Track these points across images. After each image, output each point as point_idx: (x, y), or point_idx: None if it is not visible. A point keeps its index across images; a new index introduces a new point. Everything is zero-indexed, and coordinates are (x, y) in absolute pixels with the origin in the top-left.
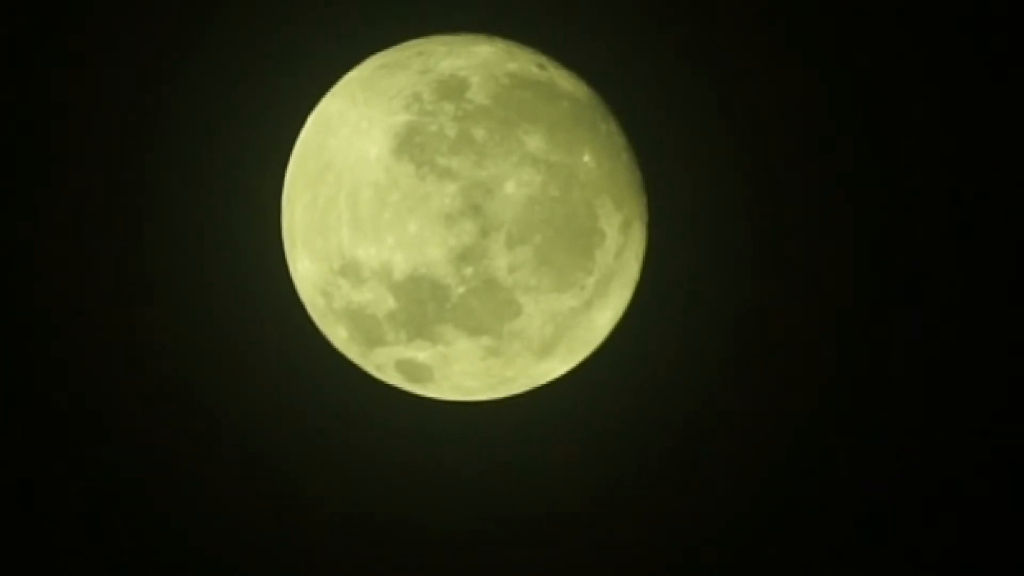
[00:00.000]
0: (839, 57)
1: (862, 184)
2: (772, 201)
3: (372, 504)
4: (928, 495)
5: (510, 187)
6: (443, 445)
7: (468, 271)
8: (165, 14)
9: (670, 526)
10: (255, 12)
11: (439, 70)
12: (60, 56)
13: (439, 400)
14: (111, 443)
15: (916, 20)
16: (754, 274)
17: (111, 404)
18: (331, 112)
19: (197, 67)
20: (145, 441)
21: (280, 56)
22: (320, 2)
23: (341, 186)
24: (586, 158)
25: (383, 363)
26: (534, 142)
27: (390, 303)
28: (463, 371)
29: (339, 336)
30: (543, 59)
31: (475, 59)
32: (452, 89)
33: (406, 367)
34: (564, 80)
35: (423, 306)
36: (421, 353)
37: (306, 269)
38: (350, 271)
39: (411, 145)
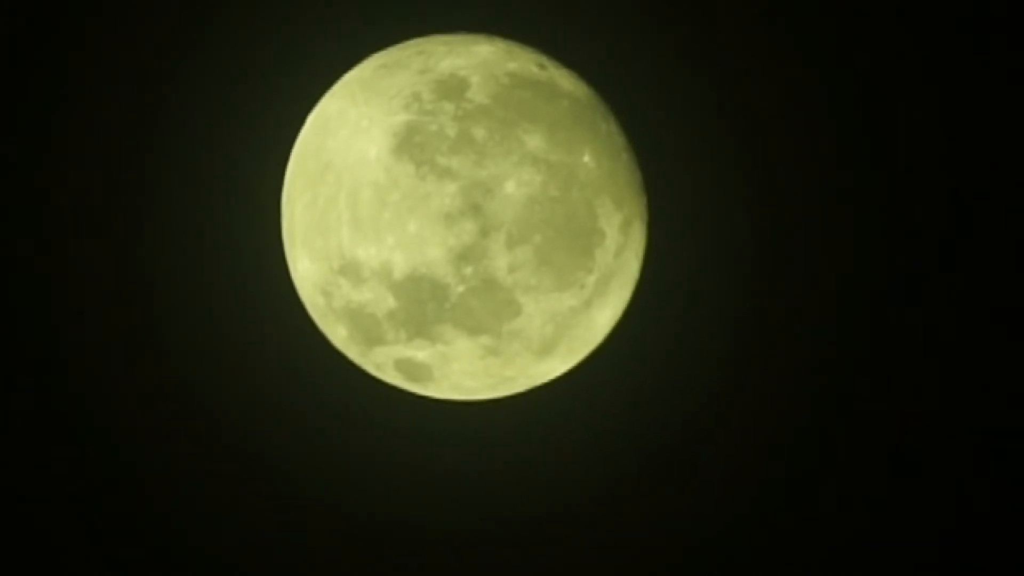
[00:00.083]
0: (839, 57)
1: (862, 184)
2: (772, 201)
3: (372, 504)
4: (928, 495)
5: (510, 187)
6: (442, 445)
7: (468, 271)
8: (165, 14)
9: (670, 526)
10: (255, 12)
11: (439, 70)
12: (60, 56)
13: (438, 399)
14: (111, 443)
15: (916, 20)
16: (754, 274)
17: (111, 404)
18: (331, 112)
19: (197, 67)
20: (145, 441)
21: (280, 56)
22: (320, 2)
23: (341, 186)
24: (586, 158)
25: (383, 362)
26: (534, 142)
27: (390, 303)
28: (462, 371)
29: (339, 335)
30: (543, 59)
31: (475, 59)
32: (452, 89)
33: (406, 366)
34: (564, 80)
35: (423, 306)
36: (421, 352)
37: (306, 269)
38: (350, 271)
39: (411, 145)
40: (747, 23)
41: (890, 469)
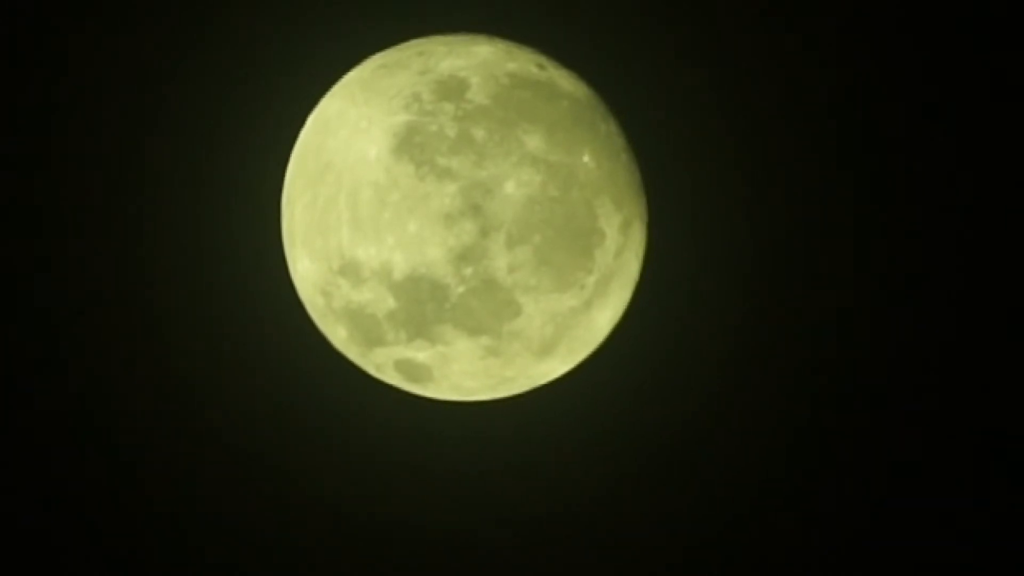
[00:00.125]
0: (839, 57)
1: (862, 184)
2: (772, 201)
3: (372, 504)
4: (929, 495)
5: (510, 187)
6: (442, 445)
7: (468, 271)
8: (165, 14)
9: (670, 526)
10: (255, 12)
11: (439, 70)
12: (60, 56)
13: (438, 400)
14: (111, 443)
15: (916, 20)
16: (754, 274)
17: (111, 404)
18: (331, 112)
19: (197, 67)
20: (145, 441)
21: (280, 56)
22: (320, 2)
23: (341, 186)
24: (586, 158)
25: (383, 363)
26: (534, 142)
27: (390, 303)
28: (462, 371)
29: (339, 336)
30: (543, 59)
31: (475, 59)
32: (452, 89)
33: (405, 367)
34: (564, 80)
35: (423, 306)
36: (420, 353)
37: (306, 269)
38: (350, 271)
39: (411, 145)
40: (747, 23)
41: (890, 469)
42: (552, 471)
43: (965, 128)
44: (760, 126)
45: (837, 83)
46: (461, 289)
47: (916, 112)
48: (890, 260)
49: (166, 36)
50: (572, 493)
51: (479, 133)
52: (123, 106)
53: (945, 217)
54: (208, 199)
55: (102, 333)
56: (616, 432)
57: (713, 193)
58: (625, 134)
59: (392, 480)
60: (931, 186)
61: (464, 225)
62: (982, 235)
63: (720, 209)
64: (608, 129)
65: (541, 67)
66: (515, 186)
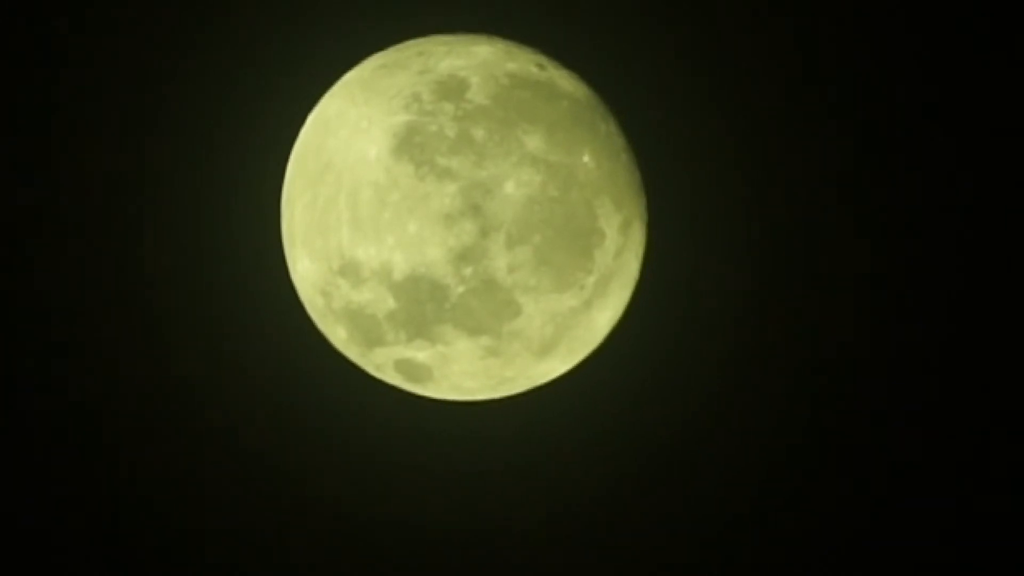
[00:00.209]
0: (839, 57)
1: (862, 184)
2: (772, 201)
3: (372, 504)
4: (929, 495)
5: (510, 187)
6: (442, 445)
7: (468, 271)
8: (165, 14)
9: (670, 526)
10: (255, 12)
11: (439, 70)
12: (60, 56)
13: (438, 400)
14: (111, 443)
15: (916, 20)
16: (754, 274)
17: (111, 404)
18: (331, 112)
19: (197, 67)
20: (145, 441)
21: (280, 56)
22: (320, 2)
23: (341, 186)
24: (585, 158)
25: (382, 363)
26: (533, 142)
27: (390, 303)
28: (462, 371)
29: (338, 336)
30: (543, 59)
31: (475, 59)
32: (452, 89)
33: (405, 367)
34: (564, 80)
35: (422, 306)
36: (420, 353)
37: (306, 269)
38: (350, 271)
39: (411, 145)
40: (747, 23)
41: (890, 469)
42: (552, 471)
43: (965, 128)
44: (760, 126)
45: (837, 83)
46: (461, 289)
47: (916, 112)
48: (890, 260)
49: (166, 36)
50: (572, 493)
51: (479, 133)
52: (123, 106)
53: (945, 217)
54: (208, 199)
55: (102, 333)
56: (616, 432)
57: (713, 193)
58: (625, 134)
59: (392, 480)
60: (931, 186)
61: (464, 225)
62: (982, 235)
63: (720, 209)
64: (608, 129)
65: (541, 67)
66: (515, 186)
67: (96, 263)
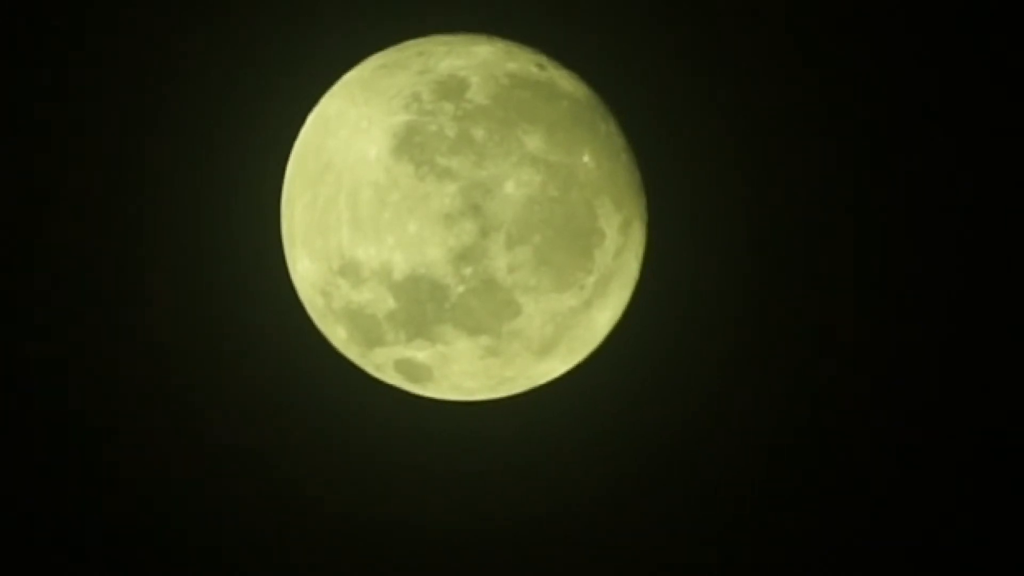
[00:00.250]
0: (838, 57)
1: (862, 184)
2: (772, 201)
3: (372, 504)
4: (929, 495)
5: (509, 187)
6: (442, 445)
7: (467, 271)
8: (165, 14)
9: (670, 526)
10: (255, 12)
11: (439, 70)
12: (60, 55)
13: (438, 400)
14: (110, 443)
15: (916, 20)
16: (754, 274)
17: (110, 404)
18: (330, 112)
19: (197, 67)
20: (145, 441)
21: (280, 56)
22: (320, 2)
23: (341, 186)
24: (585, 158)
25: (382, 363)
26: (533, 142)
27: (389, 303)
28: (462, 371)
29: (338, 336)
30: (543, 59)
31: (475, 59)
32: (452, 89)
33: (405, 367)
34: (564, 80)
35: (422, 306)
36: (420, 353)
37: (306, 269)
38: (350, 271)
39: (411, 145)
40: (747, 23)
41: (890, 469)
42: (552, 471)
43: (965, 128)
44: (760, 126)
45: (837, 83)
46: (461, 289)
47: (916, 112)
48: (890, 260)
49: (166, 36)
50: (572, 493)
51: (479, 133)
52: (123, 106)
53: (945, 217)
54: (208, 199)
55: (102, 333)
56: (616, 432)
57: (713, 193)
58: (625, 134)
59: (392, 480)
60: (931, 186)
61: (464, 225)
62: (982, 235)
63: (720, 209)
64: (608, 129)
65: (541, 67)
66: (515, 186)
67: (96, 263)
